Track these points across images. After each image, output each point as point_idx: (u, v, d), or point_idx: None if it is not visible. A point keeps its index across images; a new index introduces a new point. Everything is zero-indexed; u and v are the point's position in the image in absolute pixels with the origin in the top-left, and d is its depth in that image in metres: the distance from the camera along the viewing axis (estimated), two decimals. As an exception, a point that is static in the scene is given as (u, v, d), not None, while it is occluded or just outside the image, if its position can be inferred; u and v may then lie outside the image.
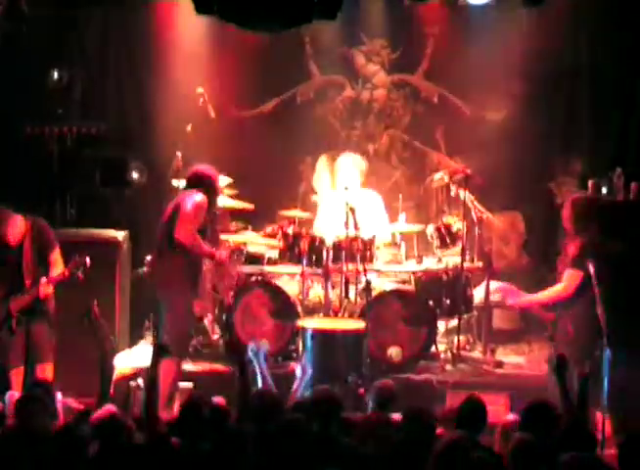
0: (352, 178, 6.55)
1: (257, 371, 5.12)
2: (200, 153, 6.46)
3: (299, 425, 3.76)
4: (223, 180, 6.42)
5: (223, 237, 6.35)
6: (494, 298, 6.16)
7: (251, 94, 7.59)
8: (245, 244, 6.42)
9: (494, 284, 6.27)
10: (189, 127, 6.41)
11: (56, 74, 6.92)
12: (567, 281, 5.09)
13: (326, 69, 7.76)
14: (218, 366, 6.11)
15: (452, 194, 6.37)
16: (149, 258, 6.01)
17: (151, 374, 4.48)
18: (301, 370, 5.21)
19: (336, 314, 5.99)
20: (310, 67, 7.74)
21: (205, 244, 5.51)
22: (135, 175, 7.10)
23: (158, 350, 4.67)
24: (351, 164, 6.67)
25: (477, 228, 6.30)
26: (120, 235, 6.31)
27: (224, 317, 6.30)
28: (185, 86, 6.97)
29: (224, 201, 6.45)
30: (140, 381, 5.68)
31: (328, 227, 6.54)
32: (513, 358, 6.44)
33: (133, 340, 6.62)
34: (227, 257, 5.77)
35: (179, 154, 6.40)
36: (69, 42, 7.19)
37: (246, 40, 7.15)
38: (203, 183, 5.52)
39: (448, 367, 6.11)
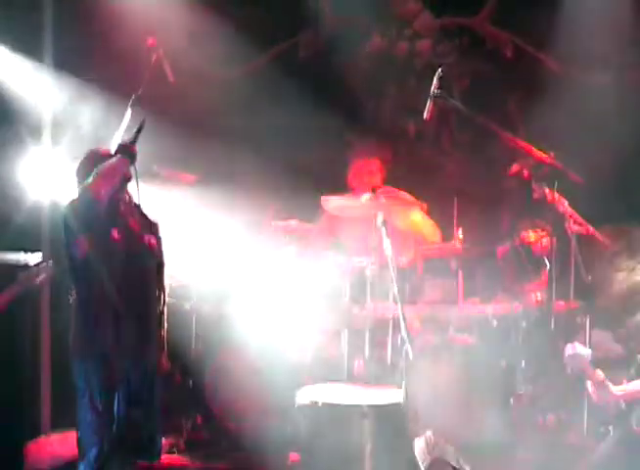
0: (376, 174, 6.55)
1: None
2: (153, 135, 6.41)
3: None
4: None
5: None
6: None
7: (228, 45, 7.19)
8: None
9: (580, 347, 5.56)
10: (134, 96, 5.98)
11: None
12: None
13: (343, 6, 7.57)
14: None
15: (535, 197, 6.15)
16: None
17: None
18: None
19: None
20: (320, 2, 7.62)
21: None
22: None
23: None
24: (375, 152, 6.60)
25: (573, 248, 6.07)
26: (34, 258, 5.72)
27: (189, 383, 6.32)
28: (128, 35, 6.72)
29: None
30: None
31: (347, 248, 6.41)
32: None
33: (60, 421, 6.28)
34: None
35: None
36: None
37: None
38: None
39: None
